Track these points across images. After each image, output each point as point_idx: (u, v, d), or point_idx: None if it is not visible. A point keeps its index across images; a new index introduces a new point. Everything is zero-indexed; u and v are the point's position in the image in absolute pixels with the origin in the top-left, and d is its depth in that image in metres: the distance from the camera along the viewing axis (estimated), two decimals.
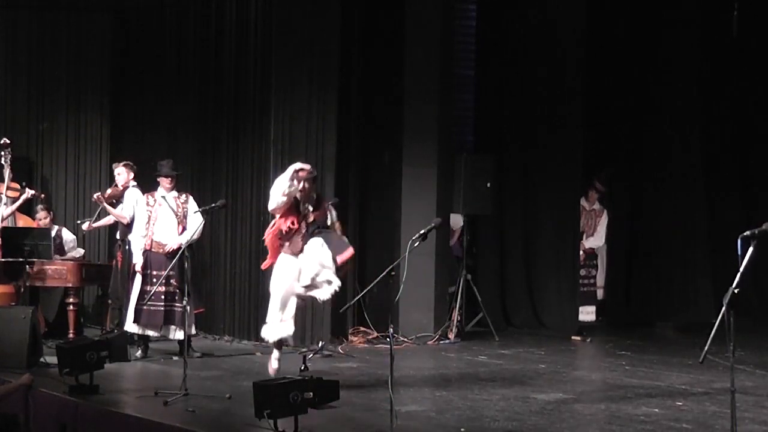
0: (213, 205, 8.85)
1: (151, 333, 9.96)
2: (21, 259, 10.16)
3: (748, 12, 13.08)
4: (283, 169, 10.85)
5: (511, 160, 12.77)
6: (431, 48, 11.66)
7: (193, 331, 10.10)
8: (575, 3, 12.63)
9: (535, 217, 12.57)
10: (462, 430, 6.83)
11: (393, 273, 7.56)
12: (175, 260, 8.90)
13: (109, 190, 10.74)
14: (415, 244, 7.33)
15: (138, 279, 9.81)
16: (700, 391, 8.42)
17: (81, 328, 10.75)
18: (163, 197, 9.95)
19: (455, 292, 11.65)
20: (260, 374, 8.40)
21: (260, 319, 10.95)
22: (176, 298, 9.66)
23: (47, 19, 12.77)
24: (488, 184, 11.82)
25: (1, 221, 10.86)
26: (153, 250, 9.85)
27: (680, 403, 7.86)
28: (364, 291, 8.55)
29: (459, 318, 11.61)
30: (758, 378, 9.05)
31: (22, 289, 10.23)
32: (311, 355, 10.05)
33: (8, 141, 11.28)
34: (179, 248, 9.29)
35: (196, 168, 11.91)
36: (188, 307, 9.00)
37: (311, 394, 6.40)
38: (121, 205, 10.75)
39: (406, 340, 11.20)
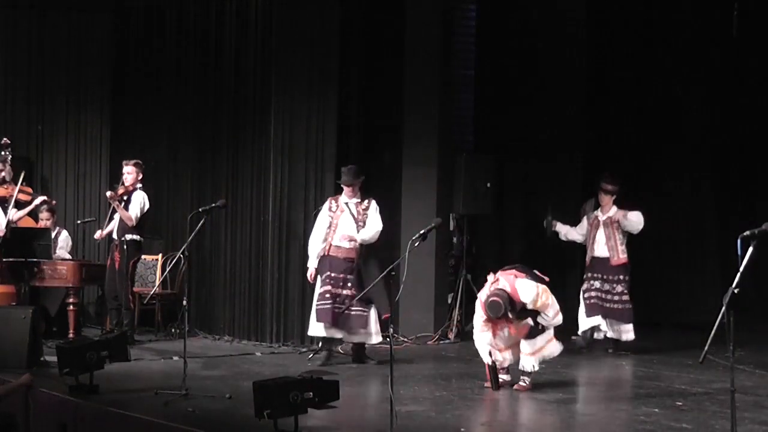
0: (213, 205, 8.84)
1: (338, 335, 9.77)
2: (22, 260, 10.16)
3: (748, 12, 13.09)
4: (284, 169, 10.96)
5: (511, 160, 12.77)
6: (431, 48, 11.66)
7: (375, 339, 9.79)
8: (576, 3, 12.64)
9: (535, 217, 12.57)
10: (462, 430, 6.83)
11: (393, 273, 7.56)
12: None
13: (120, 189, 10.66)
14: (416, 244, 7.33)
15: (318, 282, 9.70)
16: (700, 391, 8.42)
17: (81, 328, 10.76)
18: (346, 203, 9.78)
19: (455, 293, 11.65)
20: (260, 374, 8.40)
21: (260, 319, 11.01)
22: (354, 302, 9.55)
23: (47, 19, 12.77)
24: (488, 184, 11.82)
25: (10, 224, 10.81)
26: (331, 254, 9.67)
27: (680, 403, 7.86)
28: (364, 291, 8.55)
29: (459, 318, 11.62)
30: (758, 378, 9.05)
31: (23, 289, 10.22)
32: (311, 355, 10.06)
33: (8, 141, 11.28)
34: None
35: (196, 168, 11.92)
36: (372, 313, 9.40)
37: (311, 394, 6.40)
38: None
39: (406, 340, 11.20)
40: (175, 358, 9.47)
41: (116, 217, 10.65)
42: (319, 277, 9.71)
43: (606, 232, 10.52)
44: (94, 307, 12.34)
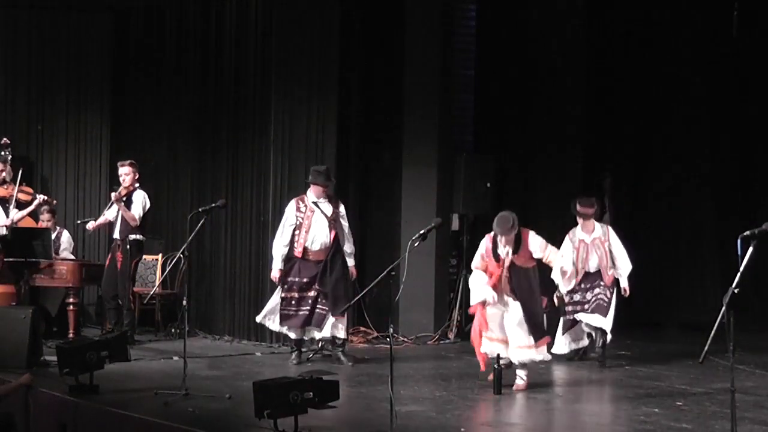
0: (213, 205, 8.84)
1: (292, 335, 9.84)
2: (22, 259, 10.15)
3: (748, 12, 13.08)
4: (284, 169, 10.96)
5: (511, 160, 12.77)
6: (431, 48, 11.66)
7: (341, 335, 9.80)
8: (575, 3, 12.63)
9: (534, 217, 12.56)
10: (462, 430, 6.83)
11: (393, 273, 7.56)
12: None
13: (123, 190, 10.65)
14: (415, 244, 7.34)
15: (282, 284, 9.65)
16: (700, 391, 8.42)
17: (81, 328, 10.76)
18: (315, 203, 9.68)
19: (455, 293, 11.66)
20: (260, 374, 8.40)
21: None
22: (319, 301, 9.62)
23: (47, 19, 12.77)
24: (488, 184, 11.82)
25: (11, 224, 10.80)
26: (305, 258, 9.60)
27: (680, 403, 7.86)
28: (364, 291, 8.54)
29: (459, 318, 11.62)
30: (758, 378, 9.06)
31: (23, 289, 10.22)
32: (311, 355, 10.06)
33: (8, 141, 11.27)
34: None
35: (196, 168, 11.91)
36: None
37: (311, 394, 6.40)
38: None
39: (406, 340, 11.21)
40: (175, 358, 9.47)
41: (117, 216, 10.64)
42: (290, 279, 9.65)
43: (598, 253, 9.91)
44: (94, 307, 12.33)
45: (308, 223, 9.62)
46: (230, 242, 11.39)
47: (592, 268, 9.89)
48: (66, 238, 11.44)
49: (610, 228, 10.08)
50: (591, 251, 9.89)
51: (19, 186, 11.02)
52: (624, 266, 9.88)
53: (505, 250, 8.26)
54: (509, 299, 8.29)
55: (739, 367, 8.99)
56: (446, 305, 11.74)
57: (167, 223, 12.28)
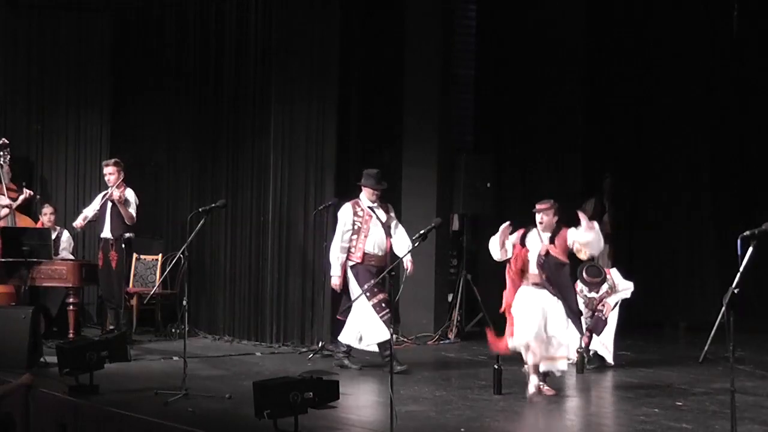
0: (213, 205, 8.83)
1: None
2: (21, 259, 10.15)
3: (748, 12, 13.08)
4: (284, 169, 10.96)
5: (511, 160, 12.77)
6: (431, 48, 11.66)
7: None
8: (575, 3, 12.62)
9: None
10: (462, 430, 6.83)
11: (393, 273, 7.58)
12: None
13: (120, 189, 10.62)
14: (415, 244, 7.34)
15: (357, 292, 9.13)
16: (700, 391, 8.42)
17: (81, 328, 10.75)
18: (370, 208, 9.36)
19: (455, 293, 11.66)
20: (260, 374, 8.40)
21: (260, 319, 11.00)
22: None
23: (47, 19, 12.76)
24: (488, 184, 11.82)
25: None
26: (365, 263, 9.22)
27: (680, 403, 7.86)
28: (364, 291, 8.55)
29: (459, 318, 11.62)
30: (758, 378, 9.05)
31: (23, 289, 10.22)
32: (311, 355, 10.06)
33: (7, 141, 11.27)
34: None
35: (196, 168, 11.91)
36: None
37: (311, 394, 6.40)
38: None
39: (406, 340, 11.20)
40: (175, 358, 9.47)
41: (106, 215, 10.61)
42: (356, 287, 9.19)
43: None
44: (94, 307, 12.33)
45: (367, 227, 9.28)
46: (230, 242, 11.39)
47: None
48: (66, 238, 11.44)
49: (613, 272, 9.78)
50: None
51: (6, 184, 11.02)
52: (623, 294, 9.74)
53: (541, 237, 8.17)
54: (546, 296, 8.16)
55: (739, 367, 8.99)
56: (446, 305, 11.74)
57: (167, 223, 12.28)
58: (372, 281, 8.98)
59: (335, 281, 9.36)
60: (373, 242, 9.29)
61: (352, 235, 9.31)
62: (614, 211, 12.63)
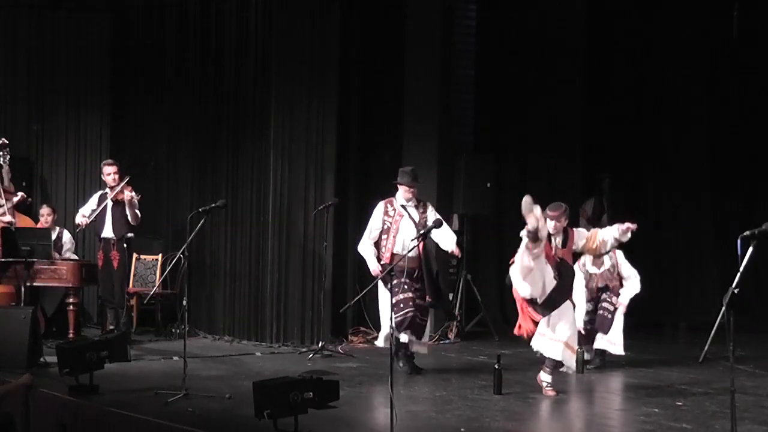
0: (213, 205, 8.83)
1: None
2: (21, 259, 10.15)
3: (748, 12, 13.09)
4: (284, 169, 10.96)
5: (511, 160, 12.77)
6: (431, 48, 11.66)
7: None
8: (575, 3, 12.63)
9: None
10: (462, 430, 6.83)
11: (392, 273, 7.57)
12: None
13: (128, 188, 10.63)
14: (415, 244, 7.33)
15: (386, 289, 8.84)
16: (700, 391, 8.43)
17: (80, 328, 10.75)
18: (403, 206, 9.21)
19: (455, 293, 11.65)
20: (260, 374, 8.40)
21: (260, 319, 11.00)
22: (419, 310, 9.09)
23: (47, 19, 12.75)
24: (488, 184, 11.83)
25: None
26: (394, 262, 8.88)
27: (680, 403, 7.86)
28: (364, 291, 8.55)
29: (459, 318, 11.62)
30: (758, 378, 9.06)
31: (23, 289, 10.22)
32: (311, 355, 10.06)
33: (7, 141, 11.26)
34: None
35: (196, 168, 11.91)
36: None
37: (311, 394, 6.40)
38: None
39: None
40: (175, 358, 9.47)
41: (106, 214, 10.63)
42: (383, 289, 8.96)
43: (609, 283, 9.66)
44: (94, 307, 12.33)
45: (396, 227, 9.16)
46: (230, 242, 11.40)
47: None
48: (68, 238, 11.44)
49: (618, 253, 9.60)
50: (600, 281, 9.64)
51: (6, 185, 11.02)
52: (632, 288, 9.63)
53: (555, 241, 8.22)
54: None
55: (739, 367, 8.99)
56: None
57: (167, 223, 12.28)
58: (396, 280, 8.87)
59: (375, 268, 9.15)
60: (403, 242, 9.12)
61: (382, 234, 9.24)
62: (613, 212, 12.62)
